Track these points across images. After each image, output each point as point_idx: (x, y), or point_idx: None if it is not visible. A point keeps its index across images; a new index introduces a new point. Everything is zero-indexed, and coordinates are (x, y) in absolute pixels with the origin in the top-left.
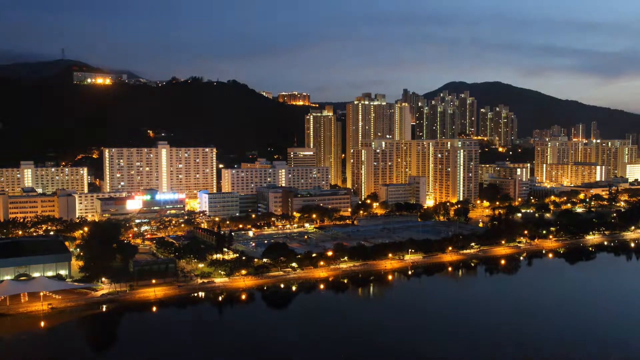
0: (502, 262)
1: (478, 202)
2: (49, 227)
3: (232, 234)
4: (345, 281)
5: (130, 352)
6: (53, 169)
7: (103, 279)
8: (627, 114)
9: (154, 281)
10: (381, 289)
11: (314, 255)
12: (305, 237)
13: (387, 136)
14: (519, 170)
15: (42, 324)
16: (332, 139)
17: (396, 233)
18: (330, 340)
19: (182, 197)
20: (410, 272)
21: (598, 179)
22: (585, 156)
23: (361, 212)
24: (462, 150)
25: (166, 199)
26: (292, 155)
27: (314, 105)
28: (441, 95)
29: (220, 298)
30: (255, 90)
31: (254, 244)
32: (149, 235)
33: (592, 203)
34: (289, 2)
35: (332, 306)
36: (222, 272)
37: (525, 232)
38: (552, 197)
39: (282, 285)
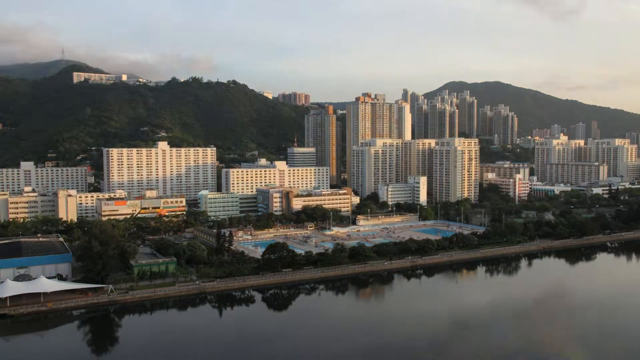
0: (502, 262)
1: (478, 202)
2: (49, 228)
3: (232, 234)
4: (346, 282)
5: (131, 353)
6: (53, 169)
7: (103, 280)
8: (627, 113)
9: (154, 282)
10: (381, 289)
11: (314, 255)
12: (306, 237)
13: (387, 136)
14: (519, 170)
15: (42, 325)
16: (332, 139)
17: (396, 233)
18: (331, 342)
19: (182, 198)
20: (410, 273)
21: (598, 178)
22: (585, 156)
23: (361, 212)
24: (462, 150)
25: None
26: (292, 155)
27: (314, 105)
28: (441, 95)
29: (220, 299)
30: (255, 90)
31: (254, 244)
32: (149, 236)
33: (592, 203)
34: (288, 2)
35: (332, 307)
36: (222, 273)
37: (526, 232)
38: (552, 197)
39: (282, 286)
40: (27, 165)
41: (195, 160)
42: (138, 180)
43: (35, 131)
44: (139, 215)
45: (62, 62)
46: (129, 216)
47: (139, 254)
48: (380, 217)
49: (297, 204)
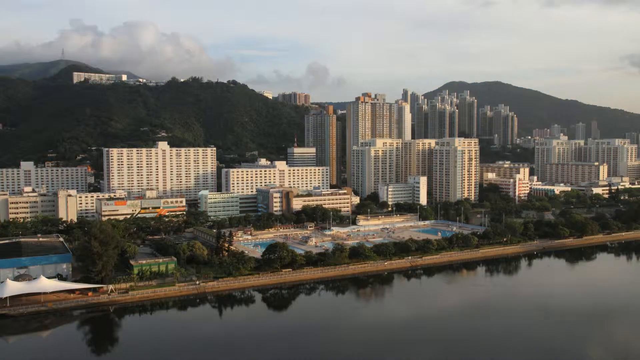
0: (502, 262)
1: (478, 202)
2: (49, 228)
3: (232, 234)
4: (346, 282)
5: (131, 353)
6: (53, 169)
7: (103, 280)
8: (627, 113)
9: (154, 282)
10: (381, 290)
11: (314, 255)
12: (306, 237)
13: (387, 136)
14: (519, 170)
15: (43, 325)
16: (332, 139)
17: (396, 233)
18: (331, 342)
19: (182, 198)
20: (410, 273)
21: (598, 178)
22: (585, 156)
23: (361, 212)
24: (462, 150)
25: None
26: (292, 155)
27: (314, 105)
28: (441, 95)
29: (220, 299)
30: (255, 90)
31: (254, 245)
32: (149, 236)
33: (592, 203)
34: (287, 3)
35: (332, 307)
36: (222, 273)
37: (526, 232)
38: (552, 197)
39: (282, 286)
40: (27, 165)
41: (195, 160)
42: (138, 180)
43: (35, 131)
44: (139, 215)
45: (62, 62)
46: (129, 216)
47: (139, 254)
48: (380, 217)
49: (297, 204)
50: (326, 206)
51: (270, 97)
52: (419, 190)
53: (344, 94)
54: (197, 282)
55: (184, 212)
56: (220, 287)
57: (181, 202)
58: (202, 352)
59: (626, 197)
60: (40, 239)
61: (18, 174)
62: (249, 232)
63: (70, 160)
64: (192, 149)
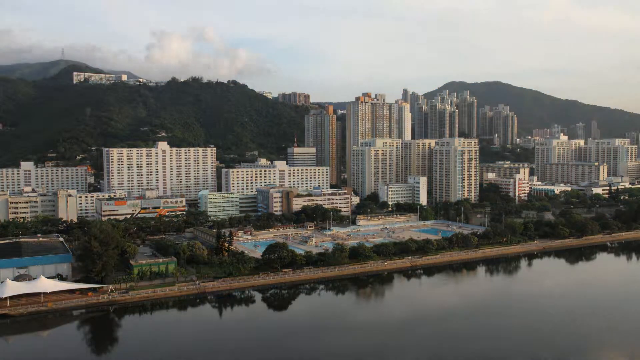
0: (502, 262)
1: (478, 202)
2: (49, 228)
3: (232, 234)
4: (346, 282)
5: (131, 353)
6: (53, 169)
7: (103, 280)
8: (627, 113)
9: (154, 282)
10: (381, 290)
11: (314, 255)
12: (306, 237)
13: (387, 136)
14: (519, 170)
15: (43, 325)
16: (332, 139)
17: (396, 233)
18: (331, 342)
19: (182, 198)
20: (410, 273)
21: (598, 178)
22: (585, 156)
23: (361, 212)
24: (462, 150)
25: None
26: (292, 155)
27: (314, 105)
28: (441, 95)
29: (220, 299)
30: (255, 90)
31: (254, 245)
32: (149, 236)
33: (592, 203)
34: (287, 3)
35: (332, 307)
36: (222, 273)
37: (526, 232)
38: (552, 197)
39: (282, 286)
40: (27, 165)
41: (195, 160)
42: (138, 180)
43: (35, 131)
44: (139, 215)
45: (62, 62)
46: (129, 216)
47: (139, 254)
48: (380, 217)
49: (297, 204)
50: (326, 206)
51: (270, 97)
52: (419, 190)
53: (344, 94)
54: (197, 282)
55: (184, 212)
56: (220, 287)
57: (181, 202)
58: (202, 352)
59: (626, 197)
60: (40, 239)
61: (18, 174)
62: (249, 232)
63: (70, 160)
64: (192, 149)
